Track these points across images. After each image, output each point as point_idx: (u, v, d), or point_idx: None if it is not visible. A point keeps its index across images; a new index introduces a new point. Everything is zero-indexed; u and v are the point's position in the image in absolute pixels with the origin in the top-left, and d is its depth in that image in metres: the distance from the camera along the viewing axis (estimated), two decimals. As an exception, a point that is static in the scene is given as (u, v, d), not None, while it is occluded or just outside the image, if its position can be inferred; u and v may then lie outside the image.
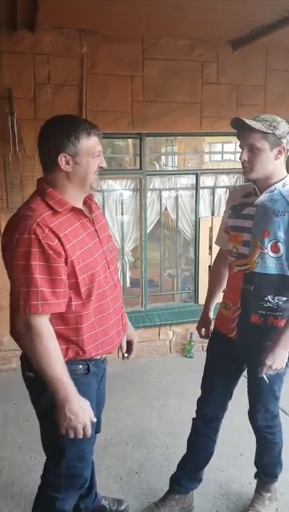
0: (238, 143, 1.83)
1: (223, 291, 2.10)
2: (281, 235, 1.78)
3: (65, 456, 1.62)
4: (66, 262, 1.47)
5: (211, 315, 2.21)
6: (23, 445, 2.72)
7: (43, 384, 1.48)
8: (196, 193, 4.03)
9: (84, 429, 1.50)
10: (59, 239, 1.45)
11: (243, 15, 2.89)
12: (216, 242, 2.21)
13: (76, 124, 1.52)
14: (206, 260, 4.05)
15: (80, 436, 1.50)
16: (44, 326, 1.45)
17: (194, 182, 4.02)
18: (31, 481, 2.40)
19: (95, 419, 1.54)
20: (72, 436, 1.50)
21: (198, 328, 2.24)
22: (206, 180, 4.11)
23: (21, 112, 3.22)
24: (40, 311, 1.43)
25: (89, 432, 1.52)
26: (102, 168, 1.59)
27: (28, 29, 3.13)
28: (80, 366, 1.60)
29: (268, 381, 1.84)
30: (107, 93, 3.42)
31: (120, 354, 1.91)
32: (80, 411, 1.48)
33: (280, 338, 1.78)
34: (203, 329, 2.21)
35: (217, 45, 3.60)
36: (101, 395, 1.81)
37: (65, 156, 1.50)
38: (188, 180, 4.10)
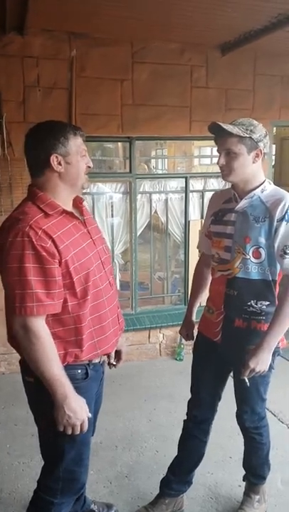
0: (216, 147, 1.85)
1: (209, 291, 2.11)
2: (262, 240, 1.80)
3: (63, 460, 1.63)
4: (60, 263, 1.49)
5: (194, 318, 2.23)
6: (11, 450, 2.70)
7: (42, 388, 1.50)
8: (186, 196, 4.05)
9: (81, 425, 1.54)
10: (52, 240, 1.47)
11: (232, 20, 2.92)
12: (198, 247, 2.25)
13: (62, 126, 1.58)
14: (195, 263, 4.05)
15: (78, 432, 1.54)
16: (41, 328, 1.47)
17: (184, 185, 4.04)
18: (20, 487, 2.38)
19: (90, 415, 1.57)
20: (70, 432, 1.53)
21: (181, 332, 2.27)
22: (196, 184, 4.13)
23: (10, 115, 3.22)
24: (35, 312, 1.45)
25: (86, 427, 1.55)
26: (89, 167, 1.63)
27: (17, 32, 3.13)
28: (79, 371, 1.61)
29: (248, 383, 1.85)
30: (97, 96, 3.43)
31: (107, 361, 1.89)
32: (78, 408, 1.51)
33: (263, 342, 1.79)
34: (186, 332, 2.24)
35: (206, 50, 3.63)
36: (98, 397, 1.83)
37: (56, 157, 1.53)
38: (177, 184, 4.12)
